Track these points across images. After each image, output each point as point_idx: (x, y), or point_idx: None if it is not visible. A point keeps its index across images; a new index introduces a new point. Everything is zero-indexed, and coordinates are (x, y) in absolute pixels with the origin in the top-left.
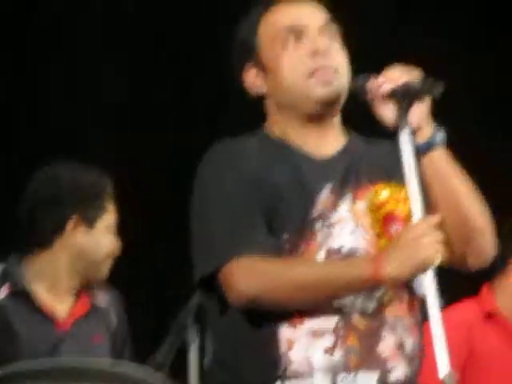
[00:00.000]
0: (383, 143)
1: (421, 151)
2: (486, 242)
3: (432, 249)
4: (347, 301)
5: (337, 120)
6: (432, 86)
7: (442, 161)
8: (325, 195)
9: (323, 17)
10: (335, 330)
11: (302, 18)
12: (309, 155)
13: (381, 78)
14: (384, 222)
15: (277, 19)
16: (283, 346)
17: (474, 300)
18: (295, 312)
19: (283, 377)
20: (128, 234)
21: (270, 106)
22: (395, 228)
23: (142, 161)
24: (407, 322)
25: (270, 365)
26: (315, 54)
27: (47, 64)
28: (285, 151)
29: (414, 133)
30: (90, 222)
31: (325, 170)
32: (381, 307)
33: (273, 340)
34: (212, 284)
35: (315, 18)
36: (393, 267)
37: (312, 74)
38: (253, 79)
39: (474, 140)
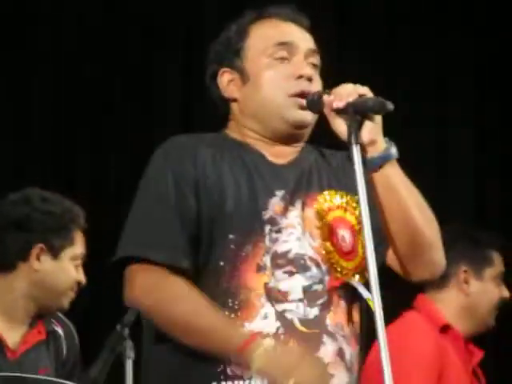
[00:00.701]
0: (337, 155)
1: (375, 164)
2: (435, 255)
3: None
4: (290, 306)
5: (299, 146)
6: (382, 105)
7: (394, 174)
8: (276, 201)
9: (312, 42)
10: (275, 335)
11: (293, 37)
12: (265, 158)
13: (334, 94)
14: (330, 227)
15: (269, 32)
16: None
17: (417, 312)
18: (235, 315)
19: (222, 377)
20: None
21: (237, 112)
22: (342, 234)
23: None
24: (346, 332)
25: (210, 363)
26: (300, 77)
27: None
28: (241, 151)
29: (366, 147)
30: (55, 251)
31: (278, 175)
32: (323, 313)
33: None
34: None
35: (306, 40)
36: (257, 363)
37: (292, 95)
38: (227, 82)
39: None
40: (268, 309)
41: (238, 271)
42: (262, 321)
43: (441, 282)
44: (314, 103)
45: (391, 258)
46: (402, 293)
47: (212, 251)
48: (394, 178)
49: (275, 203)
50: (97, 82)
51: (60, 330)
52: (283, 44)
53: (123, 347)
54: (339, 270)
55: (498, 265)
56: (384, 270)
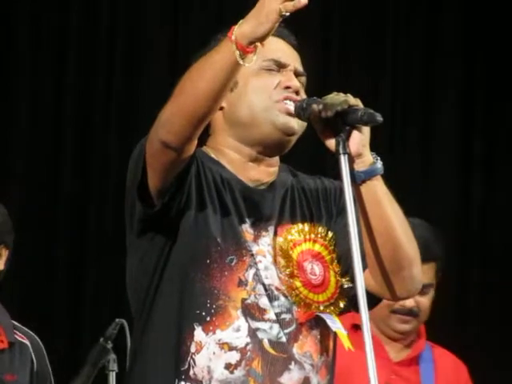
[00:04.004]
0: (310, 180)
1: (363, 177)
2: (415, 271)
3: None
4: (264, 325)
5: (277, 159)
6: (372, 116)
7: (380, 188)
8: (245, 228)
9: (300, 63)
10: (243, 350)
11: (283, 55)
12: (241, 181)
13: (323, 103)
14: (297, 263)
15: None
16: (193, 347)
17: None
18: (210, 319)
19: (184, 376)
20: None
21: (221, 122)
22: (310, 267)
23: None
24: (316, 361)
25: (178, 360)
26: (288, 88)
27: None
28: (218, 172)
29: (353, 159)
30: None
31: (252, 201)
32: (290, 342)
33: (187, 337)
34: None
35: (295, 60)
36: (243, 23)
37: (279, 100)
38: None
39: None
40: (242, 322)
41: (223, 277)
42: (234, 333)
43: None
44: (302, 109)
45: (366, 279)
46: None
47: (197, 243)
48: (378, 193)
49: (244, 230)
50: None
51: (26, 341)
52: (272, 60)
53: (106, 360)
54: (308, 303)
55: None
56: None
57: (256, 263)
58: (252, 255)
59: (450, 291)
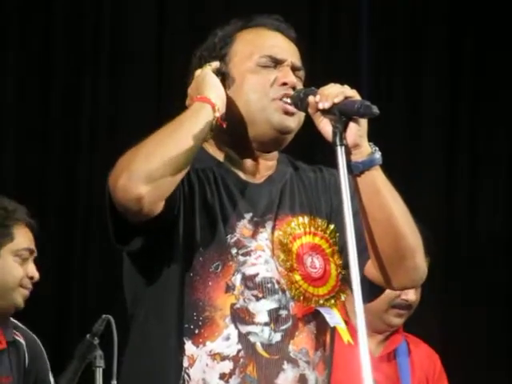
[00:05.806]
0: (309, 172)
1: (361, 168)
2: (418, 260)
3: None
4: (255, 329)
5: (275, 154)
6: (368, 108)
7: (379, 179)
8: (244, 223)
9: (298, 57)
10: (235, 358)
11: (280, 50)
12: (238, 177)
13: (320, 94)
14: (296, 256)
15: (256, 40)
16: (186, 361)
17: None
18: (198, 331)
19: None
20: None
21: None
22: (310, 260)
23: None
24: (313, 357)
25: (173, 376)
26: (284, 84)
27: None
28: (215, 169)
29: (351, 150)
30: None
31: (249, 196)
32: (286, 339)
33: (179, 352)
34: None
35: (292, 54)
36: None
37: (276, 99)
38: None
39: None
40: (231, 330)
41: (207, 288)
42: (224, 342)
43: None
44: (299, 100)
45: (369, 269)
46: None
47: (181, 257)
48: (377, 182)
49: (243, 226)
50: None
51: (21, 340)
52: (269, 57)
53: (93, 356)
54: (308, 297)
55: None
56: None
57: (241, 269)
58: (238, 259)
59: (436, 291)
